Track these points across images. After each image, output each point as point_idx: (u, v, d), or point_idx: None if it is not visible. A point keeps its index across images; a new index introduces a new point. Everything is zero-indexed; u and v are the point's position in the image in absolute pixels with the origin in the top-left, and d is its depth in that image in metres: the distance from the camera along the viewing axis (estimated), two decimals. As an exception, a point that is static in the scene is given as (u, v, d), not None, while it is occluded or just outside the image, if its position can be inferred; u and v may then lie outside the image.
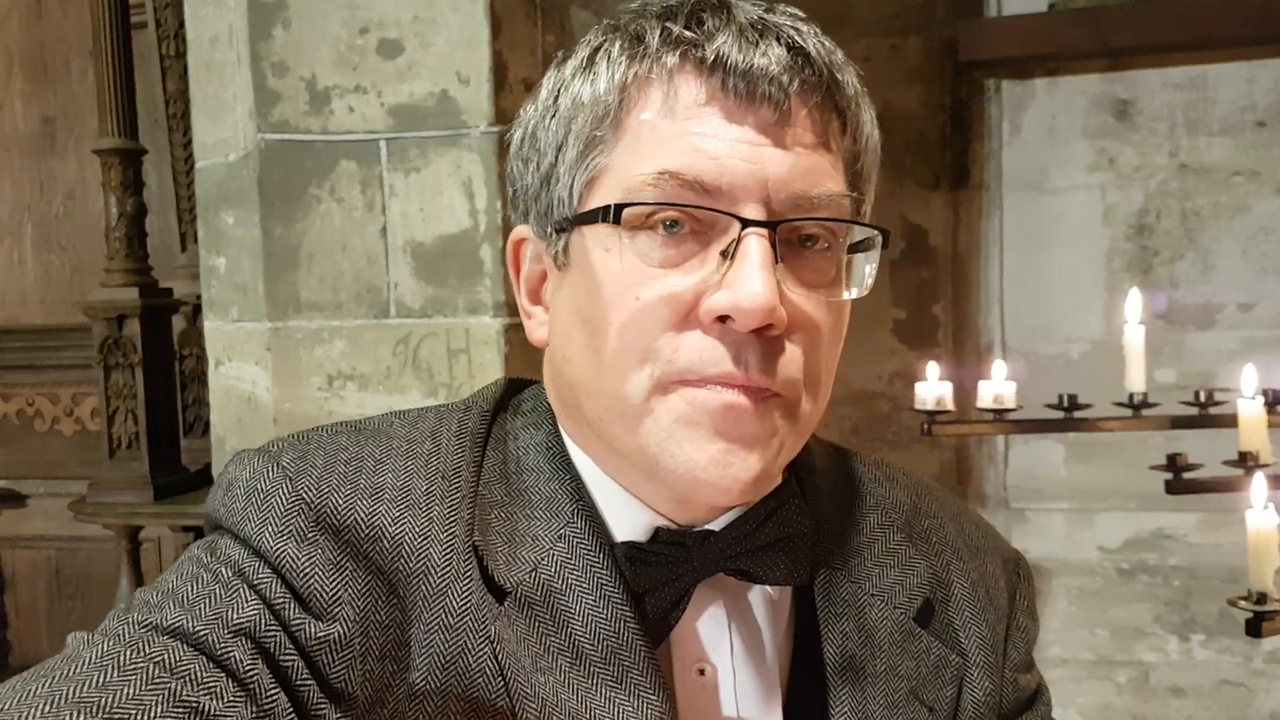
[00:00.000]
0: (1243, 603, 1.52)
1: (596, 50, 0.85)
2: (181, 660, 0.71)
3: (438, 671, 0.80)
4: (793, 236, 0.82)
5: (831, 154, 0.83)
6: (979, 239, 3.59)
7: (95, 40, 3.45)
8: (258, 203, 2.34)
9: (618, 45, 0.84)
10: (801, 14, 0.85)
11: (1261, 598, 1.51)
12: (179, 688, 0.70)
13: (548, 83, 0.89)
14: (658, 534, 0.87)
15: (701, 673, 0.88)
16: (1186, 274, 3.47)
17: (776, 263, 0.79)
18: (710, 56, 0.80)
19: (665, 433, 0.81)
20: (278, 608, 0.77)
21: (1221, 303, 3.42)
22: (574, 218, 0.84)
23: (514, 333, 2.25)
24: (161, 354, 3.56)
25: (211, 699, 0.70)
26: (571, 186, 0.85)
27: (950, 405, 2.05)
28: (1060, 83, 3.52)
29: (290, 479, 0.82)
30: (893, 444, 3.49)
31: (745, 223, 0.79)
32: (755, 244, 0.78)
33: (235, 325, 2.53)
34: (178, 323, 3.74)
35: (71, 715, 0.67)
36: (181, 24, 3.14)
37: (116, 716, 0.67)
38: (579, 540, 0.86)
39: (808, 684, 0.90)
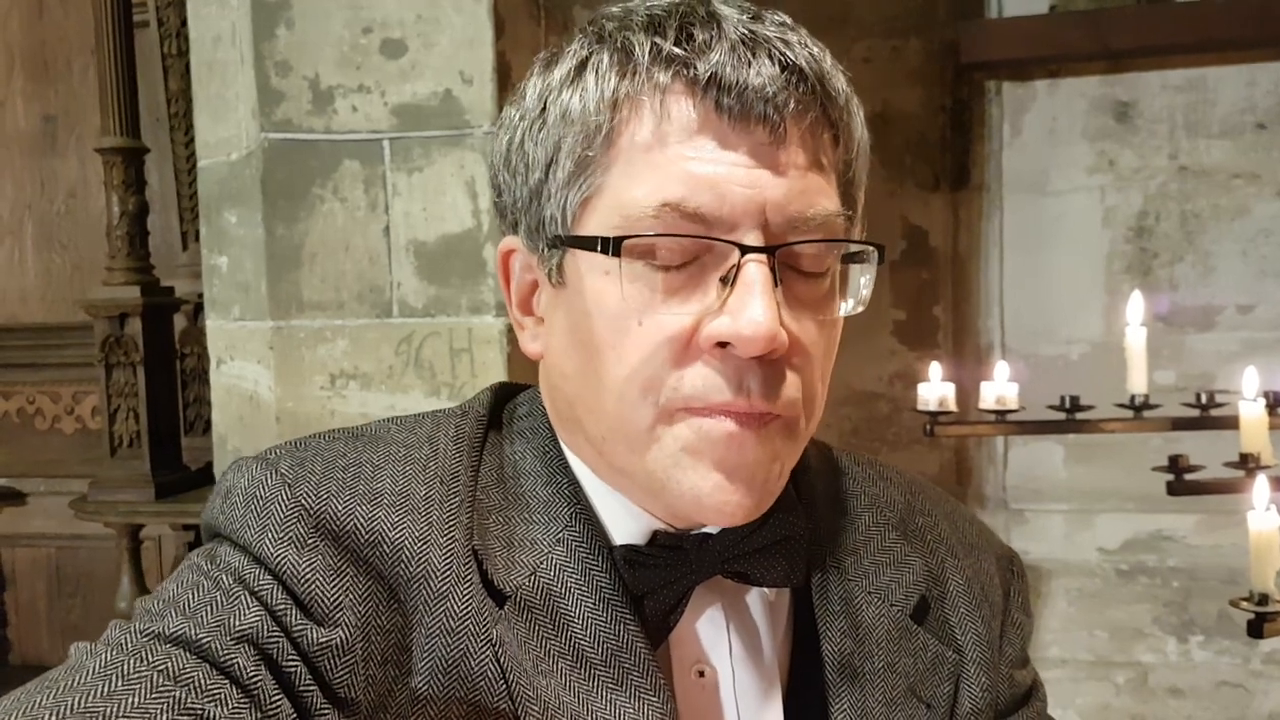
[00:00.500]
0: (1244, 604, 1.53)
1: (584, 62, 0.83)
2: (185, 668, 0.72)
3: (440, 675, 0.80)
4: (788, 258, 0.82)
5: (824, 171, 0.83)
6: (979, 240, 3.60)
7: (97, 39, 3.45)
8: (260, 202, 2.35)
9: (607, 58, 0.82)
10: (788, 19, 0.84)
11: (1263, 599, 1.51)
12: (184, 695, 0.70)
13: (533, 88, 0.87)
14: (655, 537, 0.88)
15: (701, 674, 0.89)
16: (1186, 276, 3.47)
17: (776, 286, 0.79)
18: (703, 76, 0.79)
19: (671, 460, 0.82)
20: (279, 614, 0.77)
21: (1221, 305, 3.43)
22: (569, 239, 0.84)
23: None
24: (163, 352, 3.56)
25: (216, 706, 0.70)
26: (565, 206, 0.84)
27: (953, 406, 2.06)
28: (1061, 84, 3.52)
29: (289, 485, 0.82)
30: (893, 445, 3.50)
31: (745, 249, 0.79)
32: (755, 270, 0.78)
33: (237, 324, 2.54)
34: (179, 321, 3.74)
35: None
36: (183, 23, 3.15)
37: None
38: (577, 544, 0.86)
39: (807, 683, 0.91)
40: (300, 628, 0.77)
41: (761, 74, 0.79)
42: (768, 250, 0.79)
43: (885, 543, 0.97)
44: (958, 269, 3.60)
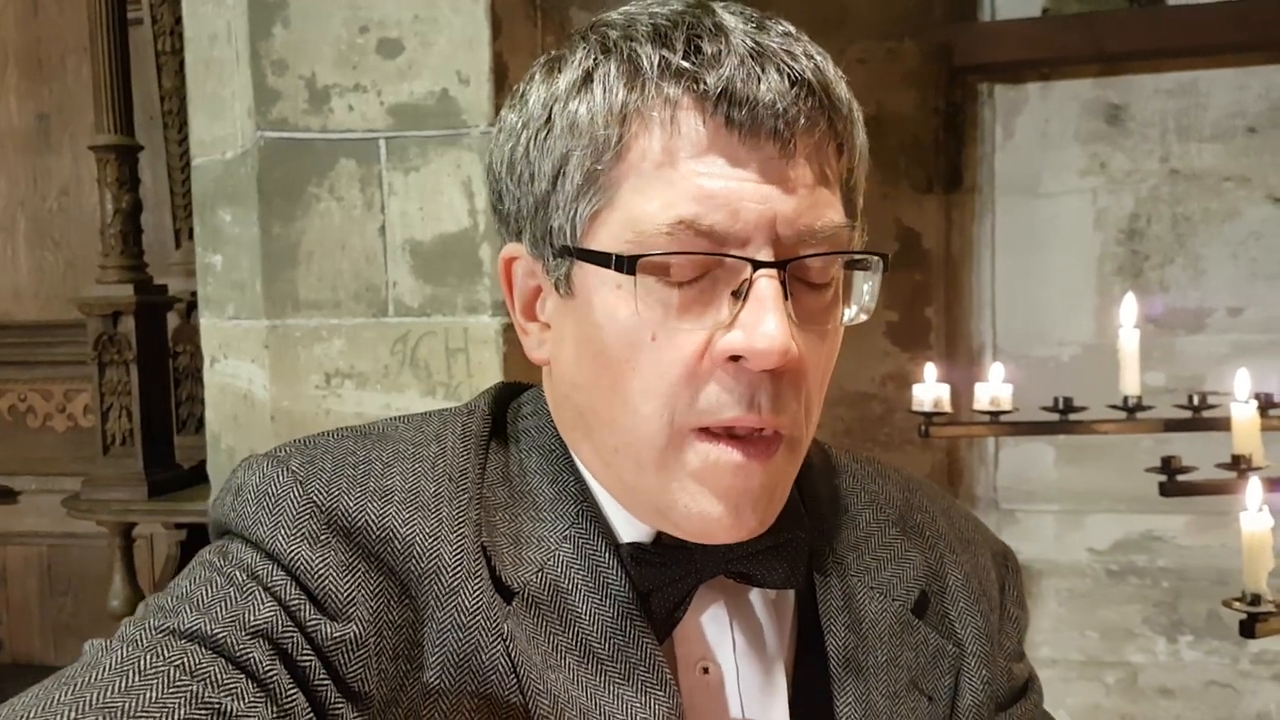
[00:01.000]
0: (1237, 604, 1.54)
1: (590, 72, 0.83)
2: (201, 663, 0.72)
3: (451, 670, 0.81)
4: (796, 270, 0.82)
5: (830, 185, 0.84)
6: (972, 242, 3.61)
7: (91, 36, 3.45)
8: (256, 200, 2.34)
9: (614, 69, 0.82)
10: (790, 28, 0.84)
11: (1255, 599, 1.53)
12: (201, 690, 0.70)
13: (536, 94, 0.87)
14: (660, 537, 0.89)
15: (705, 671, 0.90)
16: (1177, 278, 3.49)
17: (786, 299, 0.80)
18: (714, 91, 0.79)
19: (679, 484, 0.83)
20: (293, 609, 0.78)
21: (1211, 307, 3.45)
22: (579, 252, 0.84)
23: (513, 332, 2.24)
24: (156, 351, 3.56)
25: (233, 700, 0.71)
26: (574, 218, 0.84)
27: (948, 407, 2.07)
28: (1053, 87, 3.53)
29: (301, 483, 0.83)
30: (885, 445, 3.51)
31: (756, 264, 0.79)
32: (767, 285, 0.79)
33: (232, 323, 2.54)
34: (172, 320, 3.74)
35: None
36: (178, 20, 3.15)
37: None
38: (585, 541, 0.87)
39: (811, 679, 0.92)
40: (314, 623, 0.78)
41: (771, 89, 0.79)
42: (779, 265, 0.80)
43: (885, 539, 0.99)
44: (950, 271, 3.61)
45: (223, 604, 0.77)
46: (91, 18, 3.45)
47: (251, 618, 0.76)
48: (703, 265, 0.81)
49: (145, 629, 0.75)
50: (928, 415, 2.05)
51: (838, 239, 0.83)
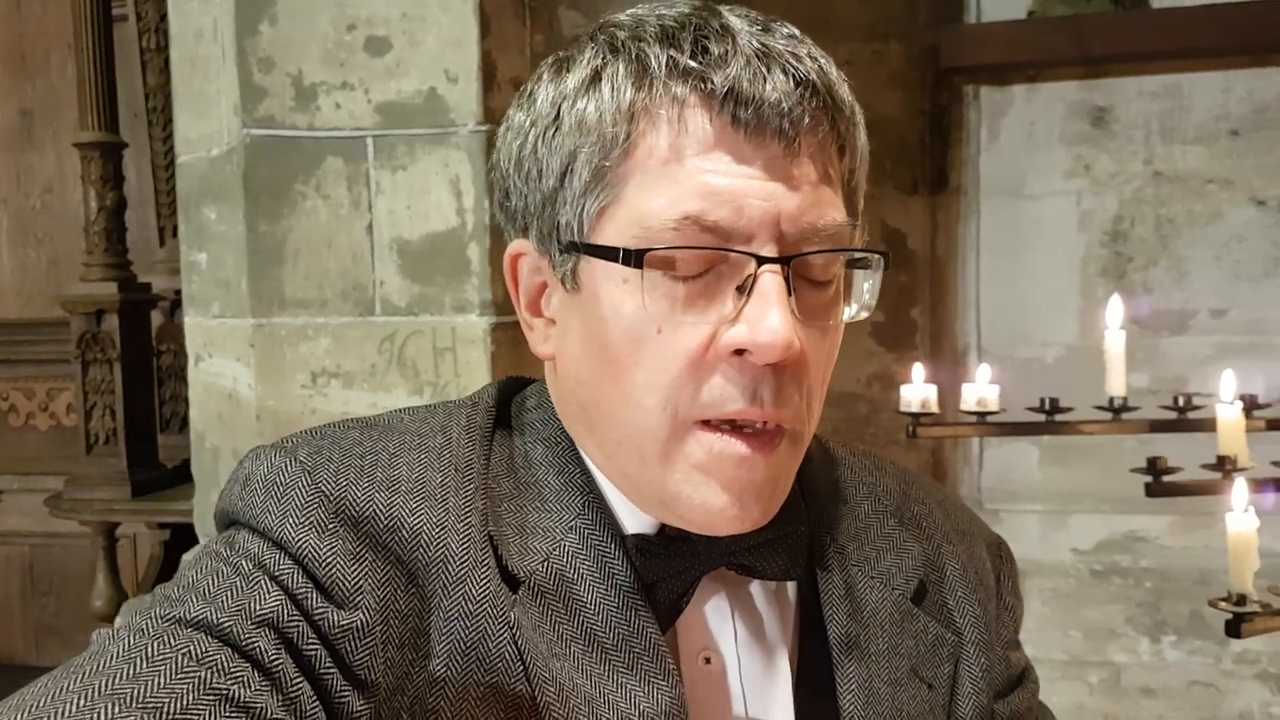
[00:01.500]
0: (1223, 604, 1.55)
1: (599, 71, 0.85)
2: (208, 651, 0.73)
3: (458, 658, 0.82)
4: (799, 267, 0.84)
5: (832, 183, 0.86)
6: (957, 243, 3.62)
7: (76, 33, 3.44)
8: (242, 198, 2.34)
9: (622, 68, 0.84)
10: (795, 30, 0.86)
11: (1241, 599, 1.54)
12: (208, 676, 0.71)
13: (544, 92, 0.88)
14: (664, 528, 0.90)
15: (707, 661, 0.91)
16: (1160, 280, 3.50)
17: (790, 295, 0.81)
18: (720, 90, 0.81)
19: (683, 476, 0.85)
20: (300, 598, 0.78)
21: (1194, 309, 3.46)
22: (586, 247, 0.85)
23: (501, 331, 2.25)
24: (140, 349, 3.55)
25: (240, 687, 0.72)
26: (581, 214, 0.85)
27: (935, 408, 2.07)
28: (1039, 90, 3.55)
29: (309, 472, 0.84)
30: (870, 445, 3.45)
31: (761, 260, 0.81)
32: (771, 280, 0.81)
33: (217, 321, 2.52)
34: (155, 318, 3.72)
35: (106, 708, 0.68)
36: (163, 18, 3.14)
37: (150, 706, 0.68)
38: (590, 531, 0.88)
39: (814, 667, 0.93)
40: (321, 611, 0.78)
41: (776, 89, 0.81)
42: (783, 261, 0.81)
43: (884, 529, 1.01)
44: (935, 272, 3.62)
45: (229, 594, 0.77)
46: (76, 14, 3.43)
47: (257, 607, 0.77)
48: (708, 261, 0.82)
49: (151, 618, 0.76)
50: (915, 416, 2.05)
51: (840, 237, 0.85)
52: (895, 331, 3.57)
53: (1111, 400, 2.03)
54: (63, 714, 0.67)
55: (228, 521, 0.86)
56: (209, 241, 2.51)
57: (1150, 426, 2.03)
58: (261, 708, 0.72)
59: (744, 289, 0.81)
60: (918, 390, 2.06)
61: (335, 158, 2.28)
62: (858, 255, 0.87)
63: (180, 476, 3.50)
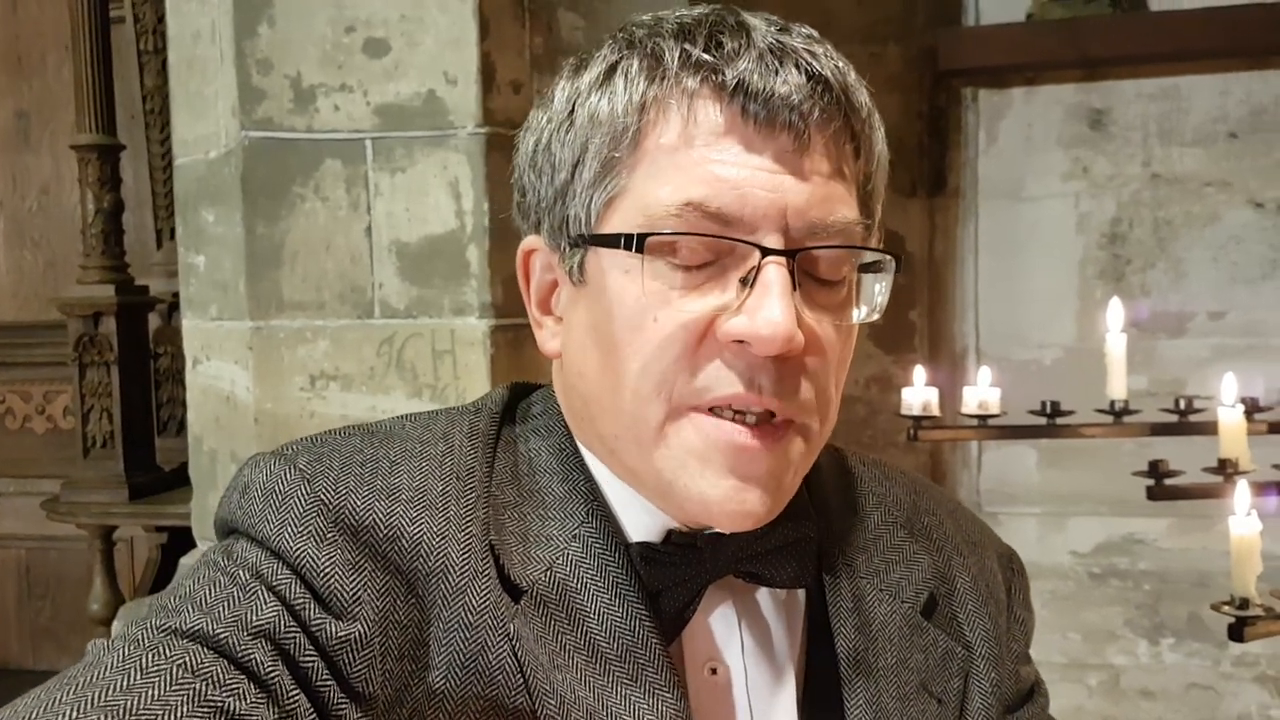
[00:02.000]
0: (1226, 608, 1.55)
1: (614, 66, 0.85)
2: (203, 663, 0.72)
3: (457, 670, 0.81)
4: (807, 264, 0.83)
5: (845, 180, 0.85)
6: (955, 246, 3.62)
7: (73, 34, 3.43)
8: (240, 200, 2.33)
9: (636, 63, 0.84)
10: (815, 32, 0.86)
11: (1244, 603, 1.53)
12: (203, 688, 0.70)
13: (561, 92, 0.89)
14: (670, 536, 0.89)
15: (714, 671, 0.90)
16: (1158, 282, 3.50)
17: (794, 289, 0.80)
18: (731, 82, 0.80)
19: (678, 462, 0.83)
20: (297, 608, 0.77)
21: (1192, 311, 3.46)
22: (592, 237, 0.85)
23: (500, 334, 2.25)
24: (137, 352, 3.54)
25: (235, 699, 0.71)
26: (589, 205, 0.85)
27: (936, 411, 2.07)
28: (1037, 92, 3.55)
29: (308, 480, 0.83)
30: (869, 448, 3.48)
31: (765, 251, 0.80)
32: (775, 272, 0.80)
33: (215, 324, 2.52)
34: (153, 321, 3.71)
35: (98, 719, 0.67)
36: (160, 19, 3.13)
37: (143, 717, 0.68)
38: (594, 540, 0.87)
39: (821, 680, 0.92)
40: (319, 622, 0.77)
41: (788, 82, 0.80)
42: (787, 253, 0.80)
43: (894, 541, 0.99)
44: (934, 274, 3.62)
45: (225, 604, 0.76)
46: (73, 15, 3.43)
47: (254, 618, 0.76)
48: (712, 251, 0.81)
49: (147, 629, 0.75)
50: (916, 419, 2.05)
51: (850, 235, 0.84)
52: (893, 334, 3.57)
53: (1112, 403, 2.03)
54: None
55: (226, 530, 0.86)
56: (207, 244, 2.50)
57: (1151, 429, 2.02)
58: None
59: (747, 280, 0.80)
60: (919, 393, 2.06)
61: (334, 160, 2.28)
62: (869, 259, 0.87)
63: (178, 479, 3.49)
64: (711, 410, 0.82)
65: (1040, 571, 3.50)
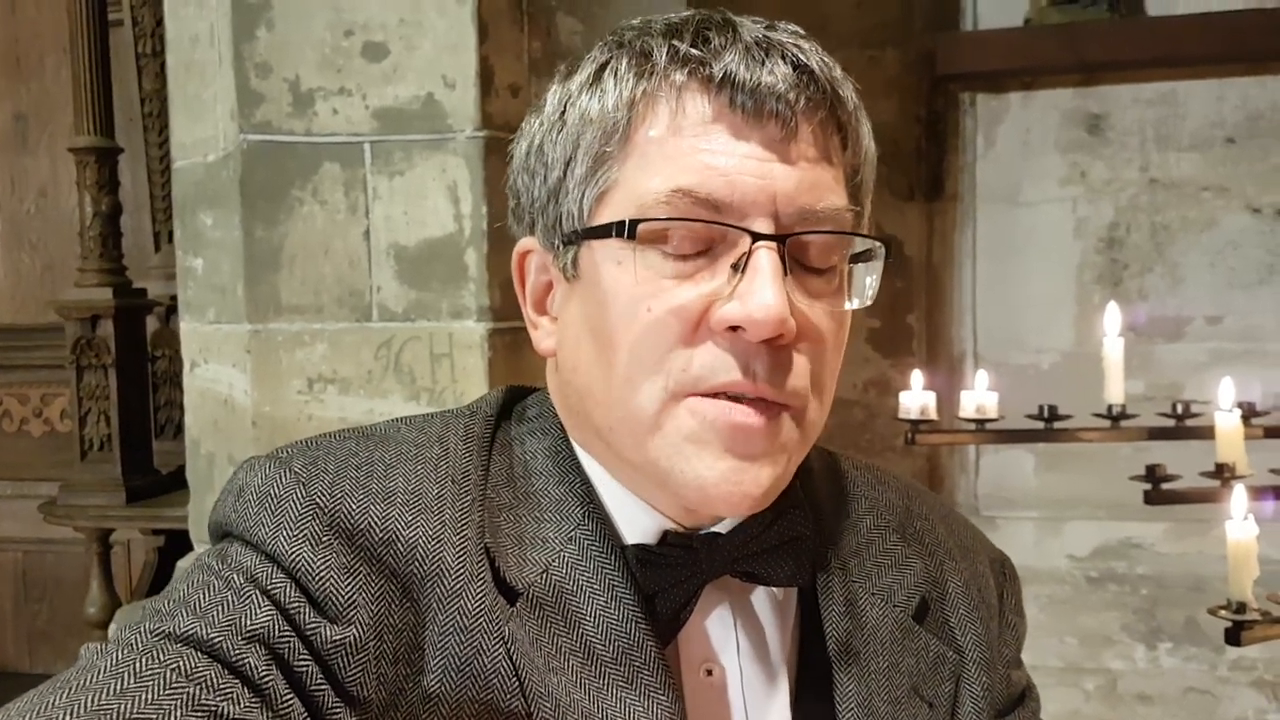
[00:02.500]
0: (1223, 612, 1.55)
1: (603, 66, 0.86)
2: (197, 667, 0.72)
3: (452, 673, 0.81)
4: (797, 251, 0.84)
5: (834, 168, 0.86)
6: (953, 250, 3.63)
7: (71, 37, 3.43)
8: (238, 204, 2.33)
9: (625, 62, 0.85)
10: (801, 30, 0.87)
11: (1241, 607, 1.53)
12: (197, 693, 0.70)
13: (553, 96, 0.90)
14: (665, 537, 0.89)
15: (709, 673, 0.90)
16: (1155, 287, 3.51)
17: (785, 275, 0.81)
18: (718, 74, 0.82)
19: (674, 448, 0.83)
20: (292, 612, 0.77)
21: (1189, 315, 3.47)
22: (584, 231, 0.86)
23: (498, 337, 2.25)
24: (135, 355, 3.54)
25: (229, 704, 0.71)
26: (581, 201, 0.86)
27: (934, 414, 2.07)
28: (1034, 97, 3.55)
29: (303, 484, 0.83)
30: (866, 451, 3.52)
31: (756, 236, 0.81)
32: (766, 257, 0.81)
33: (213, 327, 2.52)
34: (150, 323, 3.71)
35: None
36: (159, 22, 3.13)
37: None
38: (590, 542, 0.87)
39: (813, 682, 0.93)
40: (313, 626, 0.77)
41: (775, 73, 0.82)
42: (778, 238, 0.81)
43: (886, 545, 1.00)
44: (932, 278, 3.62)
45: (219, 609, 0.76)
46: (71, 17, 3.43)
47: (248, 622, 0.76)
48: (704, 240, 0.82)
49: (141, 633, 0.75)
50: (914, 423, 2.05)
51: (839, 221, 0.85)
52: (891, 337, 3.57)
53: (1110, 407, 2.03)
54: None
55: (221, 533, 0.85)
56: (205, 247, 2.50)
57: (1149, 434, 2.02)
58: None
59: (739, 267, 0.81)
60: (917, 397, 2.06)
61: (332, 163, 2.28)
62: (859, 248, 0.87)
63: (175, 483, 3.49)
64: (706, 394, 0.82)
65: (1037, 576, 3.50)
